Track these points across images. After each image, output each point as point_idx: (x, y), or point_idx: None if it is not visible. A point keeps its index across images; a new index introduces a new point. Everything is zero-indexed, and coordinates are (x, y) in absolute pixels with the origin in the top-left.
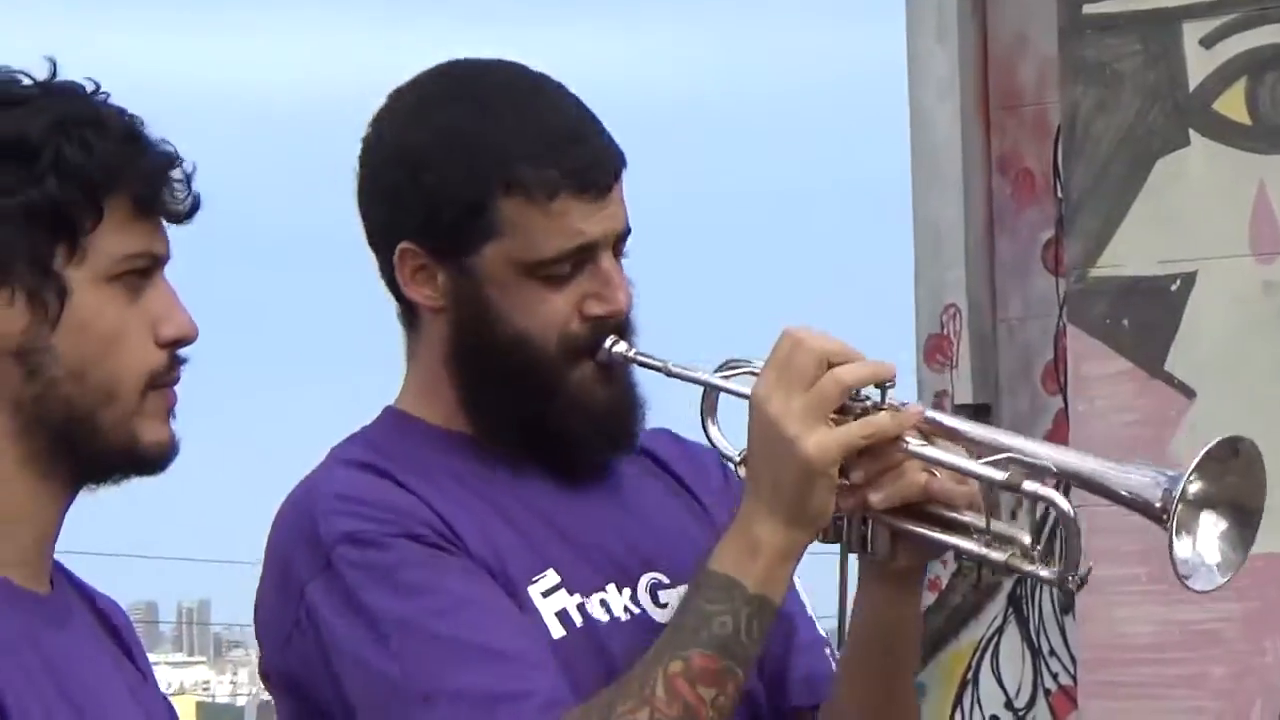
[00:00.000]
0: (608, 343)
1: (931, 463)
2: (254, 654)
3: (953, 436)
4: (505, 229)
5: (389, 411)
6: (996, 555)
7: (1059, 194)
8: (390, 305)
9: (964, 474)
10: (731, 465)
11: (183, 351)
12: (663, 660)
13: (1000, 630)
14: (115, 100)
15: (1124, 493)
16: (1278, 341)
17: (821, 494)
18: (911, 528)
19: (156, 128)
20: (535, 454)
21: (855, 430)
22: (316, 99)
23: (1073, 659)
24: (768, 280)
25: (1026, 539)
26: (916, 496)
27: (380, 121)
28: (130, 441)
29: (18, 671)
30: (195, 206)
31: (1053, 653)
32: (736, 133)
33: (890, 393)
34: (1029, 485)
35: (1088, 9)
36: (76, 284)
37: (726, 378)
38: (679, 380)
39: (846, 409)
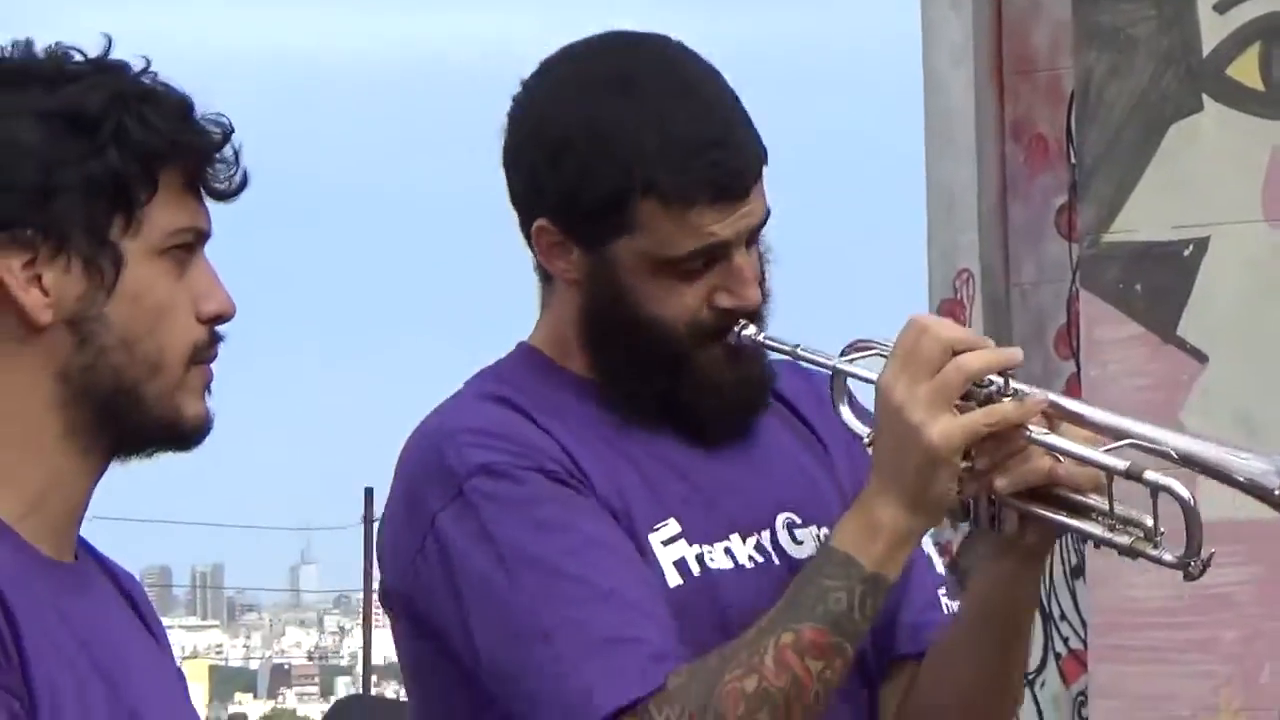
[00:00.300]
0: (738, 327)
1: (1054, 450)
2: (266, 617)
3: (1076, 420)
4: (640, 228)
5: (524, 347)
6: (1121, 539)
7: (1072, 159)
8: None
9: (1086, 463)
10: (862, 443)
11: (221, 329)
12: (775, 631)
13: None
14: (164, 75)
15: (1242, 479)
16: None
17: (944, 481)
18: (1037, 510)
19: (203, 97)
20: (655, 423)
21: (979, 418)
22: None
23: (1083, 623)
24: (781, 246)
25: (1149, 522)
26: (1040, 481)
27: (530, 90)
28: (173, 415)
29: (46, 642)
30: (243, 184)
31: (1063, 617)
32: (750, 100)
33: (1013, 378)
34: (1150, 475)
35: None
36: (131, 255)
37: (852, 361)
38: (812, 365)
39: (970, 395)
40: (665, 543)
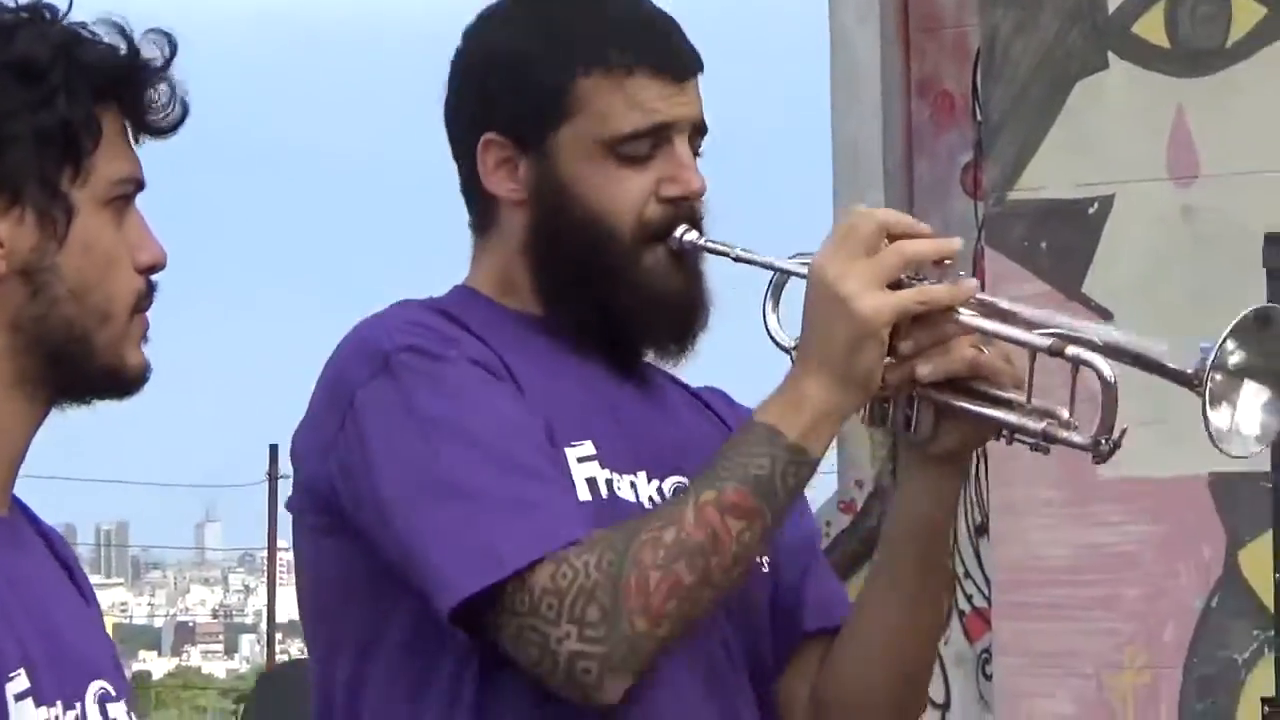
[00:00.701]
0: (679, 230)
1: (983, 334)
2: (171, 575)
3: (1005, 317)
4: (584, 107)
5: (461, 287)
6: (1034, 425)
7: (978, 117)
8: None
9: (1013, 342)
10: (787, 354)
11: (155, 278)
12: (696, 491)
13: None
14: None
15: (1165, 364)
16: (1194, 265)
17: (871, 356)
18: (955, 401)
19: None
20: (601, 340)
21: (910, 295)
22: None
23: (987, 581)
24: None
25: (1065, 413)
26: (963, 371)
27: (469, 33)
28: (118, 363)
29: None
30: (183, 117)
31: (967, 575)
32: None
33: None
34: (1072, 350)
35: None
36: (80, 205)
37: (791, 258)
38: (751, 264)
39: (901, 285)
40: (580, 460)
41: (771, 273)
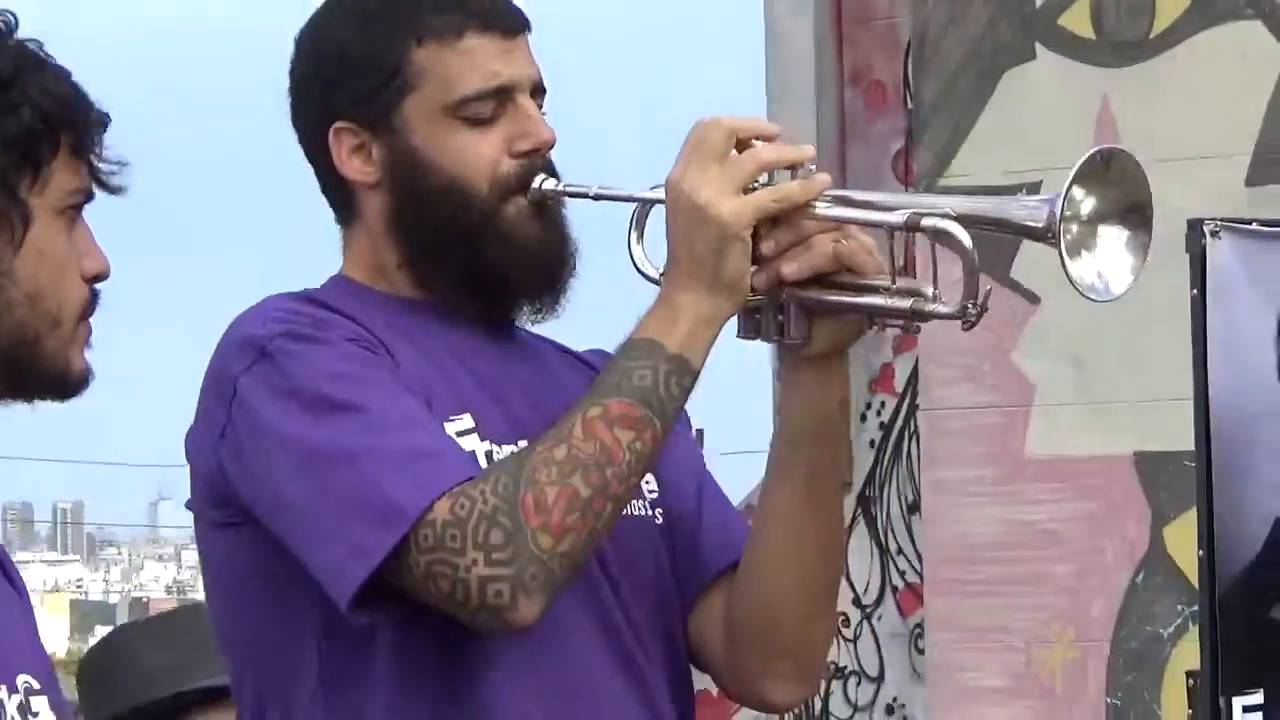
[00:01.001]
0: (536, 180)
1: (840, 222)
2: (126, 552)
3: (860, 206)
4: (423, 78)
5: (335, 277)
6: (902, 304)
7: (909, 106)
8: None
9: (870, 225)
10: (655, 284)
11: (98, 287)
12: (583, 408)
13: (849, 529)
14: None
15: (1017, 222)
16: None
17: (737, 258)
18: (824, 296)
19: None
20: (471, 302)
21: (766, 195)
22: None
23: (919, 557)
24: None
25: (929, 290)
26: (826, 265)
27: (300, 38)
28: (64, 367)
29: None
30: (120, 167)
31: (900, 551)
32: (601, 51)
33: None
34: (928, 222)
35: None
36: (37, 212)
37: (651, 189)
38: (606, 201)
39: (757, 188)
40: (459, 434)
41: (633, 206)
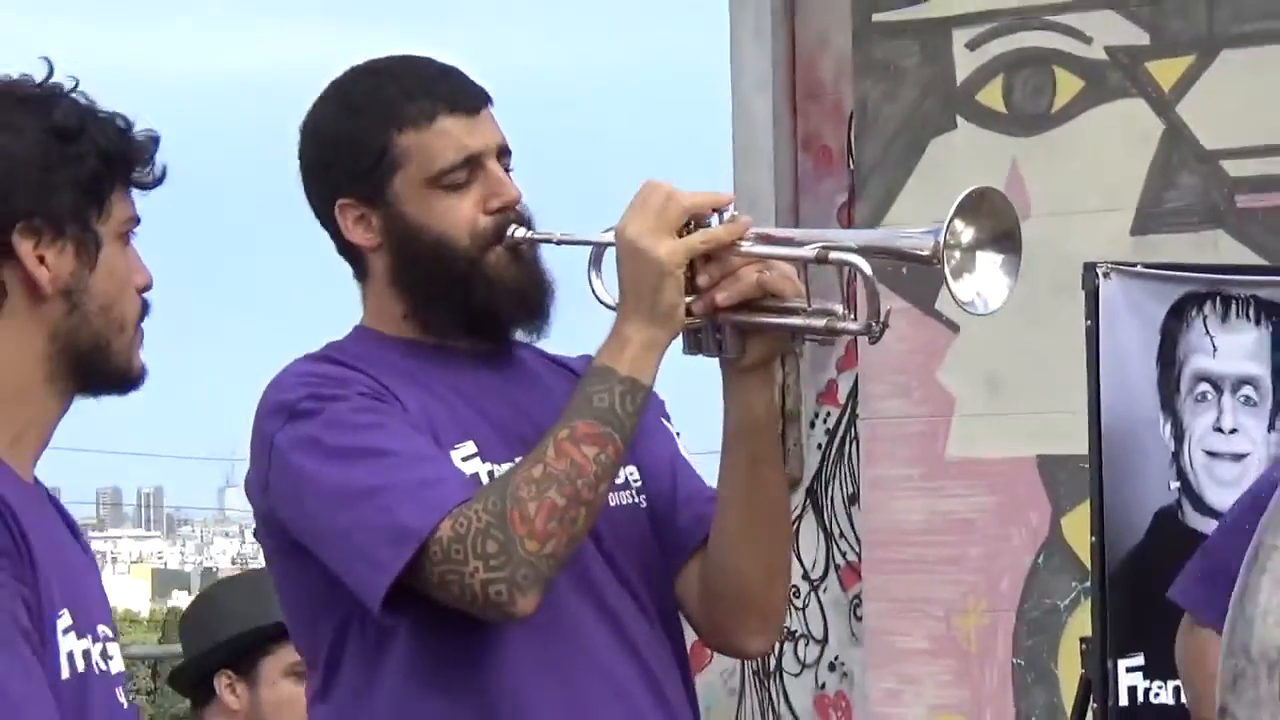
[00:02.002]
0: (509, 231)
1: (762, 258)
2: (199, 530)
3: (778, 242)
4: (407, 158)
5: (357, 327)
6: (818, 323)
7: (851, 167)
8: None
9: (788, 260)
10: (612, 310)
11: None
12: (554, 432)
13: (799, 517)
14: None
15: (907, 252)
16: (1025, 287)
17: (672, 292)
18: (753, 318)
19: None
20: (466, 339)
21: (696, 238)
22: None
23: (858, 541)
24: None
25: (839, 309)
26: (753, 292)
27: (303, 127)
28: (128, 365)
29: (36, 543)
30: (162, 178)
31: (842, 535)
32: (587, 118)
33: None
34: (834, 255)
35: (876, 18)
36: (104, 238)
37: (604, 232)
38: (568, 245)
39: (691, 232)
40: (464, 459)
41: (590, 248)
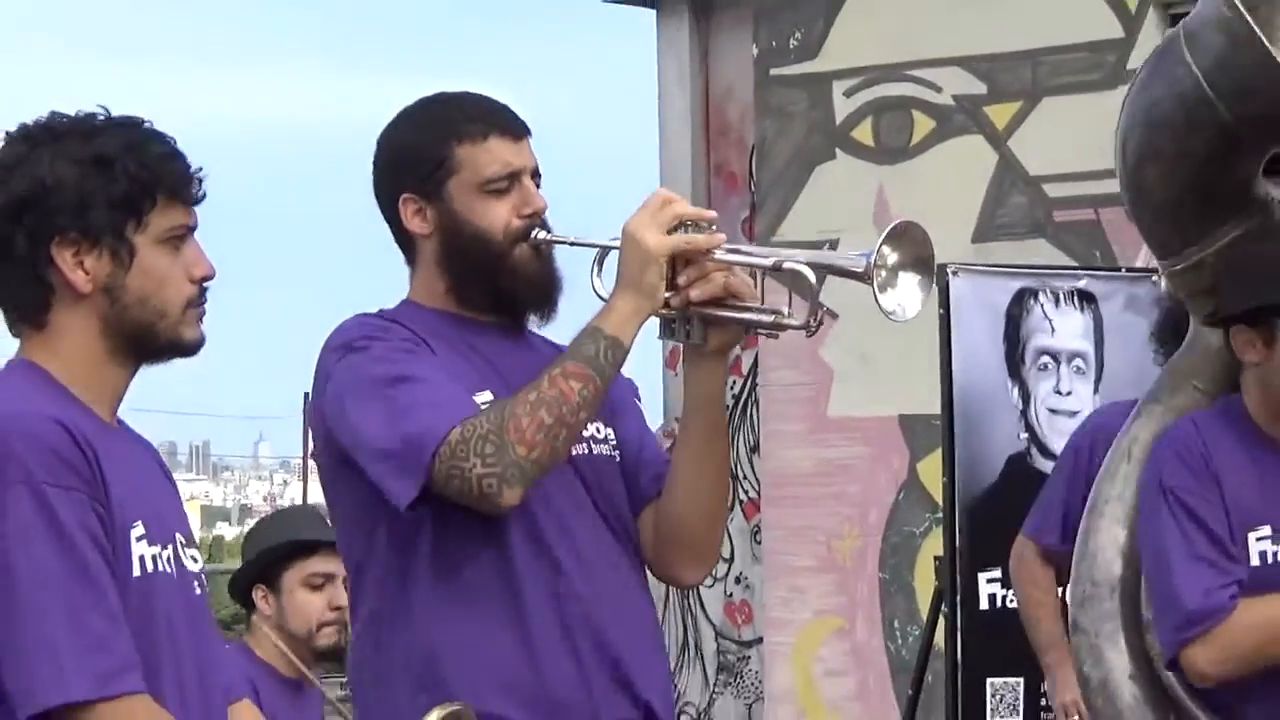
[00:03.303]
0: (534, 233)
1: (729, 265)
2: (237, 474)
3: (744, 254)
4: (461, 166)
5: (404, 300)
6: (767, 319)
7: (752, 189)
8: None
9: (750, 267)
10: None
11: (208, 284)
12: (549, 370)
13: None
14: (157, 125)
15: (844, 268)
16: None
17: (654, 274)
18: (717, 312)
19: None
20: (492, 315)
21: (680, 237)
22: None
23: (758, 482)
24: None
25: (784, 309)
26: (719, 292)
27: (381, 137)
28: (177, 339)
29: (110, 468)
30: (203, 197)
31: (745, 478)
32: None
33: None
34: (787, 266)
35: (773, 72)
36: (141, 246)
37: (615, 239)
38: (580, 247)
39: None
40: (483, 403)
41: (596, 250)
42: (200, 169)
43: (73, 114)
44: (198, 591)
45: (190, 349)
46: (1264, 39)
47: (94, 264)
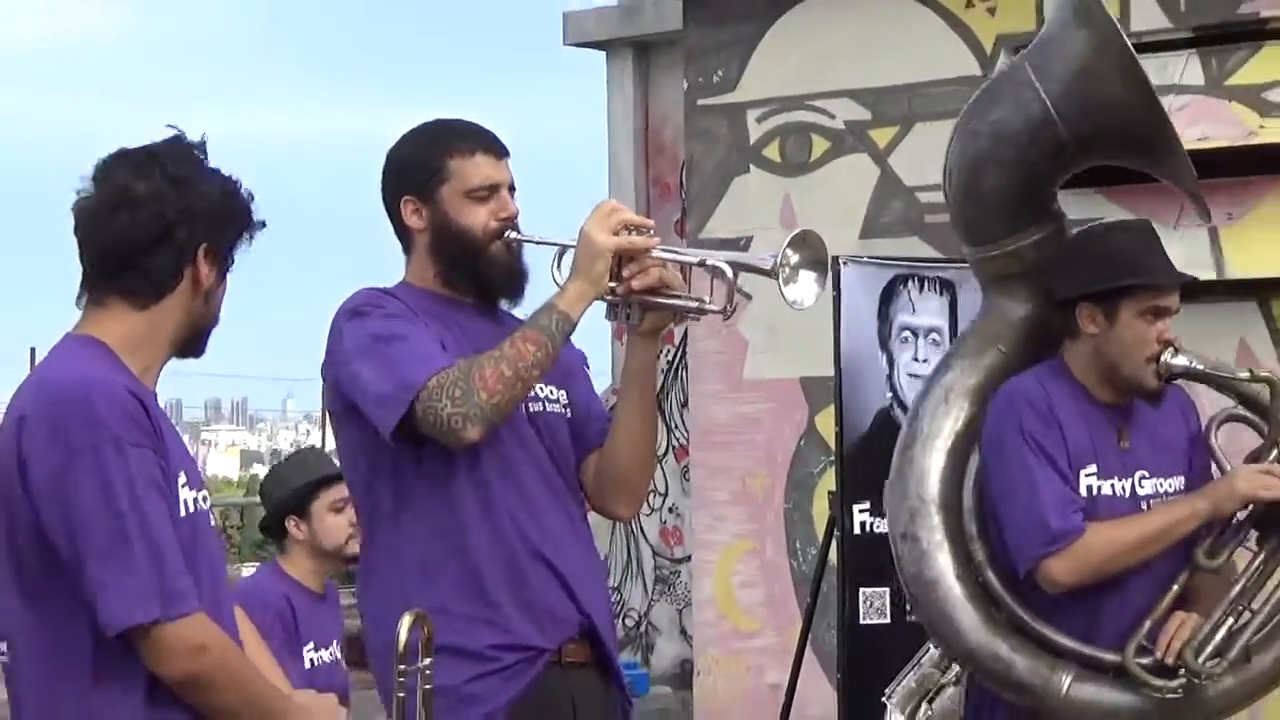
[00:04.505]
0: (507, 233)
1: (663, 261)
2: (270, 424)
3: (676, 254)
4: (452, 176)
5: (401, 281)
6: (693, 305)
7: (683, 197)
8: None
9: (680, 263)
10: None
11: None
12: (512, 335)
13: None
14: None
15: (758, 266)
16: None
17: (602, 266)
18: (652, 299)
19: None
20: (472, 297)
21: (624, 238)
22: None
23: (688, 430)
24: None
25: (707, 298)
26: (655, 283)
27: (389, 152)
28: (204, 343)
29: (163, 426)
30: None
31: (678, 427)
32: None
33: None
34: (710, 262)
35: (700, 103)
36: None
37: (570, 240)
38: (544, 245)
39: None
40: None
41: (556, 248)
42: (259, 214)
43: (167, 143)
44: (211, 523)
45: (200, 354)
46: (1129, 68)
47: (209, 272)
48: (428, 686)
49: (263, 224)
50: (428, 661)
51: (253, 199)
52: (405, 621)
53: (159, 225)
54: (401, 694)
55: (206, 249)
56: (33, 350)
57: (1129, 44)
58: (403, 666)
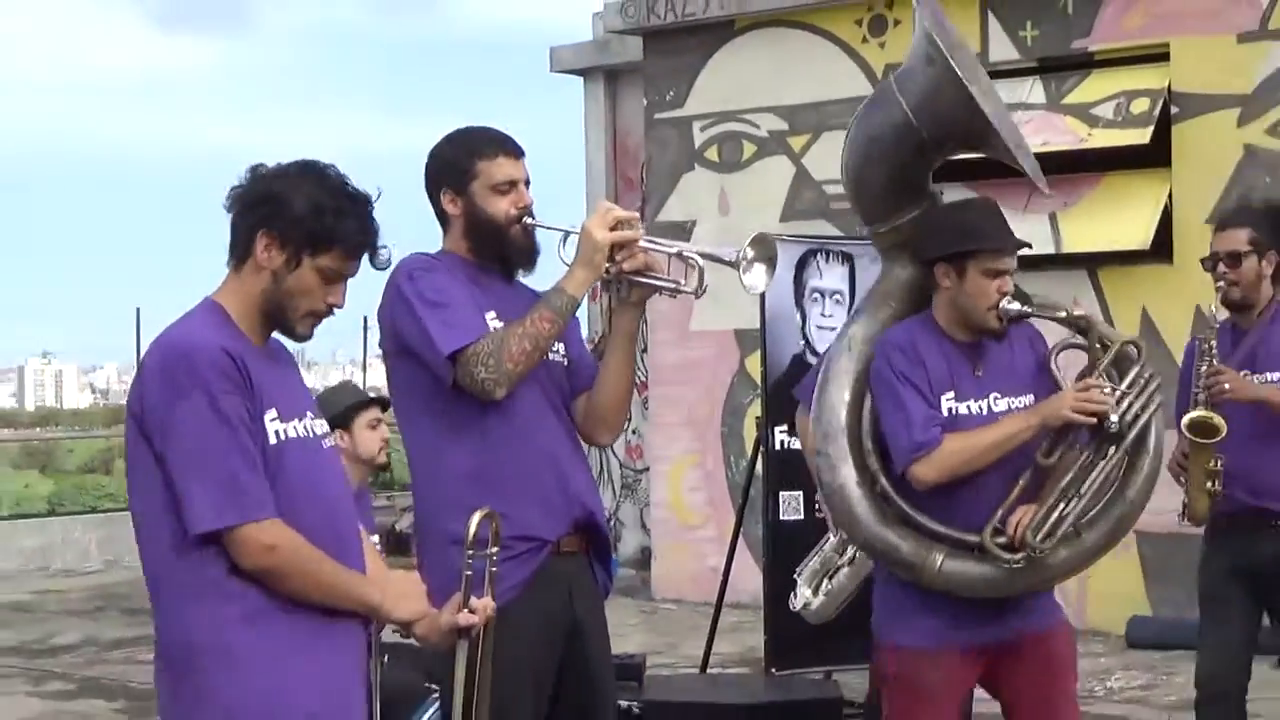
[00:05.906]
0: (523, 219)
1: (650, 249)
2: (323, 367)
3: (658, 244)
4: (480, 174)
5: (441, 250)
6: (671, 284)
7: (643, 189)
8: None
9: (663, 252)
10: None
11: (335, 310)
12: (529, 312)
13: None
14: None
15: (723, 258)
16: (733, 247)
17: (600, 256)
18: (639, 279)
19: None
20: (498, 268)
21: (617, 233)
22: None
23: (647, 371)
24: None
25: (682, 279)
26: (641, 266)
27: (431, 151)
28: (293, 330)
29: (258, 372)
30: (385, 262)
31: (640, 367)
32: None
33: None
34: (685, 253)
35: (656, 116)
36: (305, 264)
37: (573, 226)
38: (554, 230)
39: (617, 230)
40: (491, 320)
41: (563, 233)
42: (385, 246)
43: (313, 161)
44: (326, 445)
45: (297, 338)
46: (958, 84)
47: (273, 255)
48: (494, 569)
49: (364, 245)
50: (495, 550)
51: (362, 220)
52: (476, 517)
53: (239, 204)
54: (469, 572)
55: (266, 234)
56: (138, 310)
57: (960, 73)
58: (471, 552)
